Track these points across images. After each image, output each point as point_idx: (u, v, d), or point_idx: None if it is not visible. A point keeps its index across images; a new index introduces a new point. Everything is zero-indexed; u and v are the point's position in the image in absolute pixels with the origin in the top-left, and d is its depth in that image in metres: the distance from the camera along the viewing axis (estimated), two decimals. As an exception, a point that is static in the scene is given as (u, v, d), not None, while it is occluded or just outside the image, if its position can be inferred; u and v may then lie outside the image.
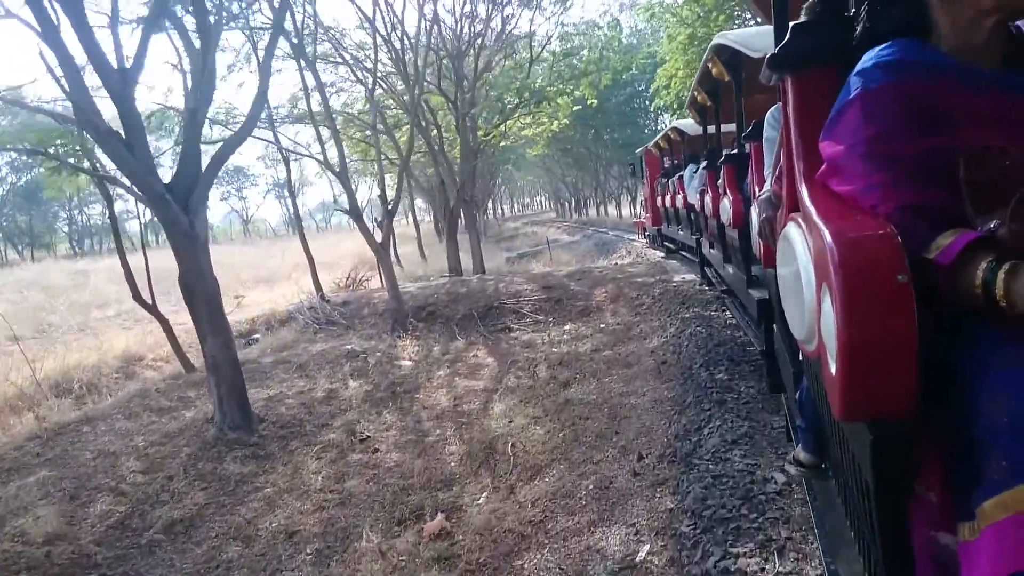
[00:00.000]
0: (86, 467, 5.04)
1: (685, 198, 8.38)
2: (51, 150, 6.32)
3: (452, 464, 4.75)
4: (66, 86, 4.89)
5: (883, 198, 1.06)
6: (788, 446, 3.01)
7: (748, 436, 3.37)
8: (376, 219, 9.63)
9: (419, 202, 33.86)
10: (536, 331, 8.80)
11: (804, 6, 1.51)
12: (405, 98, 11.67)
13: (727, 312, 6.62)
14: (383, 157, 12.64)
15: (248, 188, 65.20)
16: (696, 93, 6.45)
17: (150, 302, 7.96)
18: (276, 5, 6.74)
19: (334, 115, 10.70)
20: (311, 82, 9.12)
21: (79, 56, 4.92)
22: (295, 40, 8.75)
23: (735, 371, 4.60)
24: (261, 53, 10.33)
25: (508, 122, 17.48)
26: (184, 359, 8.02)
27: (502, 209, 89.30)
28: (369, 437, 5.49)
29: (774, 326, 3.08)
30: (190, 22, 5.89)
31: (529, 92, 15.43)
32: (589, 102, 17.54)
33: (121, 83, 4.95)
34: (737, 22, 14.66)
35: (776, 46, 1.57)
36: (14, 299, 17.08)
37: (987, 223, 0.96)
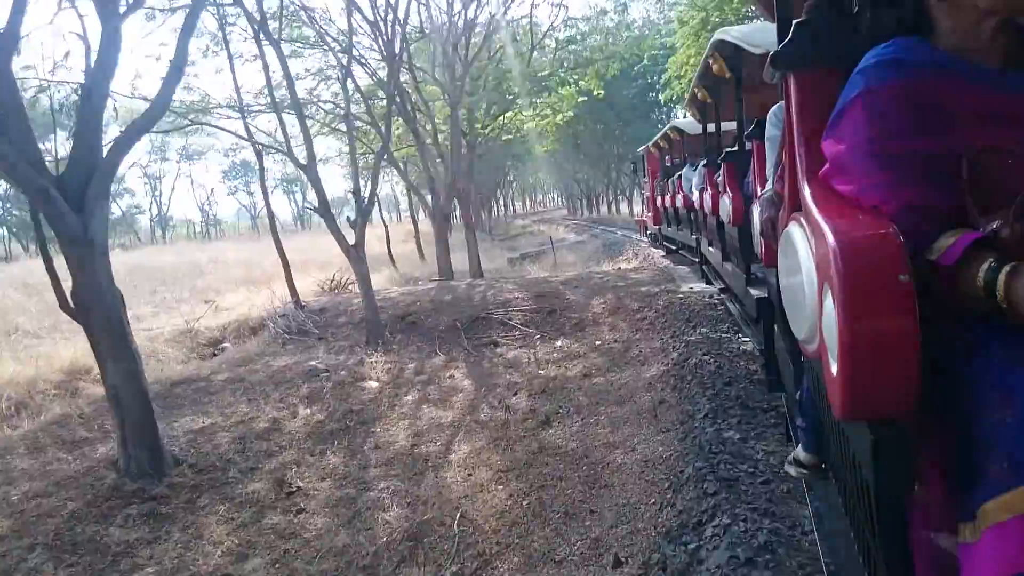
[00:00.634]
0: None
1: (685, 197, 8.19)
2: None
3: (382, 540, 3.74)
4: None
5: (885, 198, 1.06)
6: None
7: (770, 550, 2.33)
8: (349, 219, 8.62)
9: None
10: (524, 347, 7.80)
11: (806, 5, 1.48)
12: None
13: (739, 334, 5.58)
14: (367, 150, 11.65)
15: (256, 183, 64.48)
16: (696, 90, 6.37)
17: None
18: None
19: (304, 102, 9.77)
20: (277, 67, 8.18)
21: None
22: (256, 16, 7.78)
23: (750, 425, 3.57)
24: (234, 35, 9.39)
25: (508, 114, 16.45)
26: (121, 377, 7.05)
27: (513, 206, 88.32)
28: (299, 489, 4.51)
29: (774, 325, 3.00)
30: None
31: (529, 81, 14.36)
32: (596, 93, 16.44)
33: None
34: (752, 7, 13.54)
35: (778, 44, 1.54)
36: (-11, 298, 16.29)
37: (989, 224, 0.94)
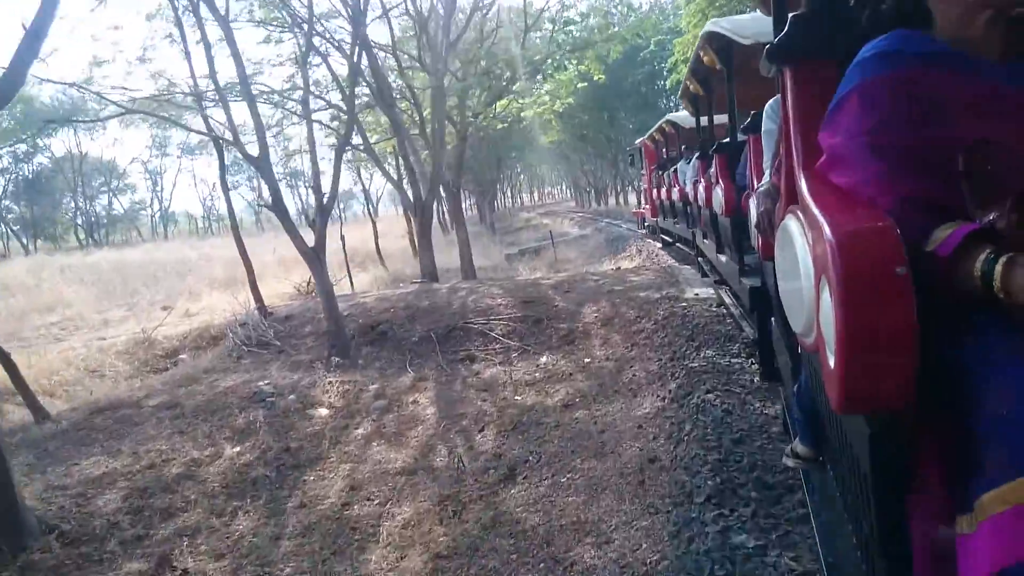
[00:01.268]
0: None
1: (680, 191, 8.09)
2: None
3: None
4: None
5: (882, 190, 1.06)
6: None
7: None
8: (306, 218, 7.61)
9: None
10: (504, 364, 6.79)
11: None
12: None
13: (752, 358, 4.52)
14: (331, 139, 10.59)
15: (258, 177, 63.61)
16: (689, 83, 6.29)
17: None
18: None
19: (267, 90, 8.80)
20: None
21: None
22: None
23: (772, 521, 2.53)
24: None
25: (502, 101, 15.38)
26: (34, 404, 6.10)
27: (520, 199, 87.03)
28: (184, 573, 3.51)
29: (769, 315, 2.96)
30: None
31: (524, 66, 13.27)
32: (596, 78, 15.33)
33: None
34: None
35: (775, 37, 1.53)
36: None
37: (986, 215, 0.95)
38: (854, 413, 1.06)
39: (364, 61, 11.16)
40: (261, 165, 7.13)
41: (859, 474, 1.13)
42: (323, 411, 6.00)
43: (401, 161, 15.53)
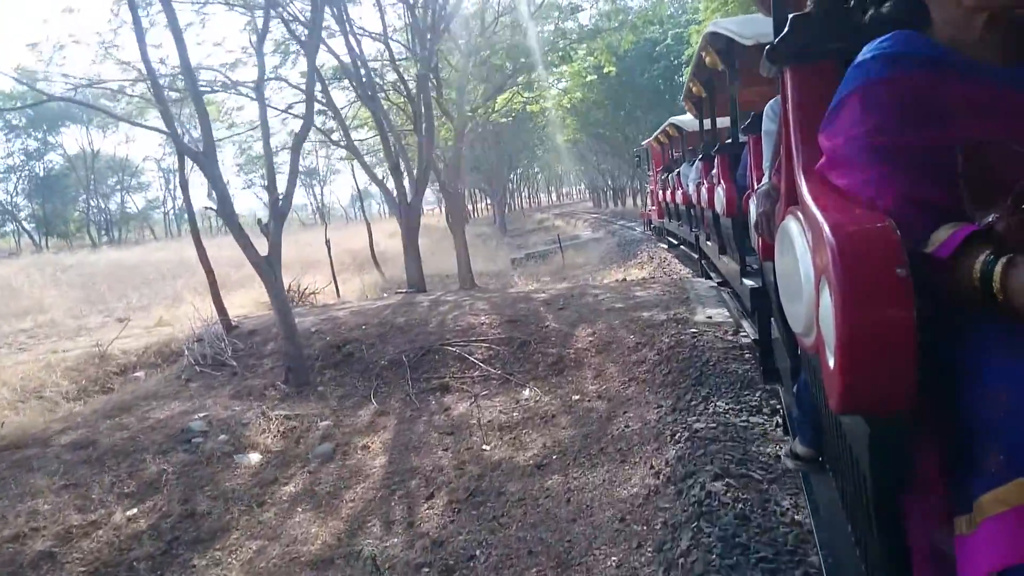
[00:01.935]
0: None
1: (684, 193, 8.03)
2: None
3: None
4: None
5: (881, 191, 1.06)
6: None
7: None
8: (260, 223, 6.62)
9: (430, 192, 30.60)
10: (480, 397, 5.78)
11: None
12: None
13: (778, 420, 3.43)
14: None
15: (277, 173, 62.88)
16: (692, 84, 6.33)
17: None
18: None
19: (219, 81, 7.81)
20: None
21: None
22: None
23: None
24: None
25: (504, 95, 14.34)
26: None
27: (537, 199, 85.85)
28: None
29: (770, 316, 2.95)
30: None
31: (525, 56, 12.22)
32: (607, 70, 14.22)
33: None
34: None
35: (775, 37, 1.53)
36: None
37: (985, 217, 0.95)
38: (853, 414, 1.06)
39: (347, 55, 10.17)
40: (204, 162, 6.14)
41: (858, 474, 1.12)
42: (254, 457, 5.00)
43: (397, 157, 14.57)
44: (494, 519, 3.46)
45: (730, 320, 5.70)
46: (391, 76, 12.90)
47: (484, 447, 4.66)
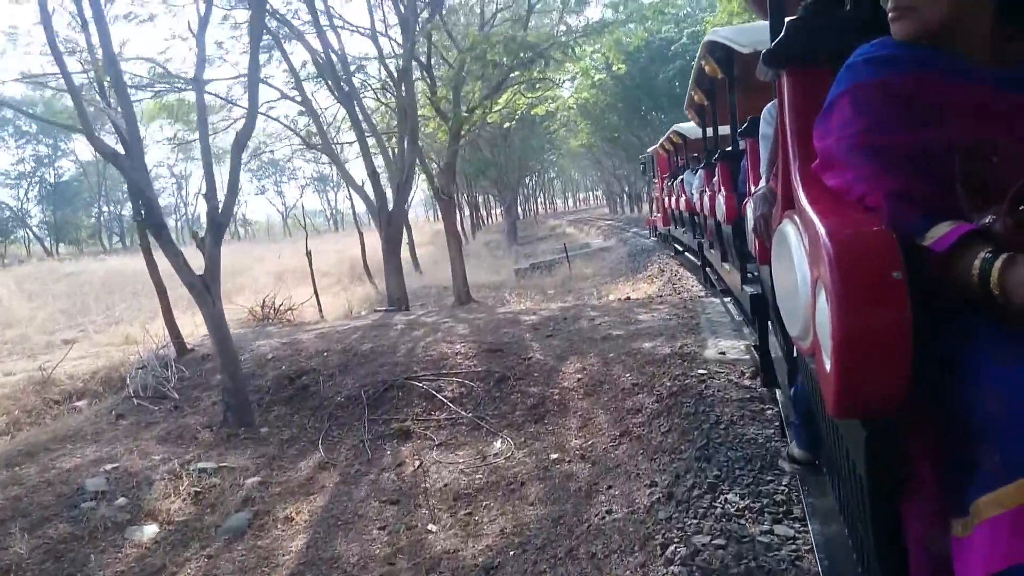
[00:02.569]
0: None
1: (687, 201, 8.03)
2: None
3: None
4: None
5: (871, 187, 1.06)
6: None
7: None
8: (196, 236, 5.66)
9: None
10: (442, 448, 4.81)
11: (801, 5, 1.50)
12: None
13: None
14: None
15: (287, 183, 62.57)
16: (693, 93, 6.40)
17: None
18: None
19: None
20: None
21: None
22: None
23: None
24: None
25: (505, 94, 13.36)
26: None
27: (553, 204, 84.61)
28: None
29: (768, 322, 2.97)
30: None
31: (524, 51, 11.22)
32: (616, 67, 13.18)
33: None
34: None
35: (772, 42, 1.54)
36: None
37: (982, 218, 0.95)
38: (850, 417, 1.06)
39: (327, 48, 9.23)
40: (125, 165, 5.21)
41: (855, 478, 1.13)
42: (150, 531, 4.03)
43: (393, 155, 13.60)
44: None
45: (747, 358, 4.64)
46: (385, 74, 11.95)
47: (430, 527, 3.65)
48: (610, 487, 3.46)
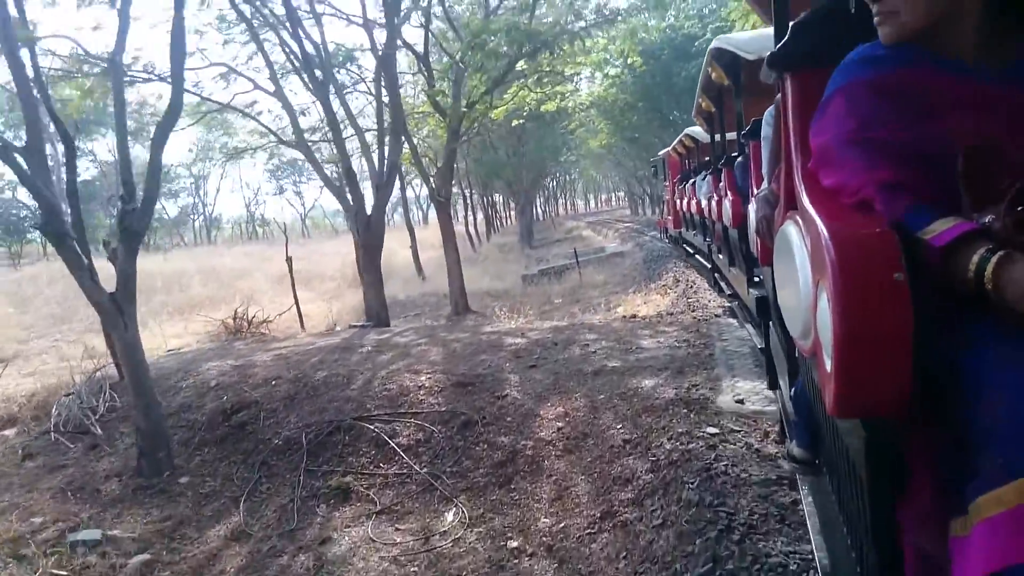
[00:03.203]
0: None
1: (698, 203, 7.98)
2: None
3: None
4: None
5: (865, 180, 1.06)
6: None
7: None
8: (105, 244, 4.73)
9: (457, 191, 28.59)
10: (382, 519, 3.81)
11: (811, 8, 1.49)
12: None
13: None
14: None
15: (305, 182, 62.12)
16: (700, 100, 6.42)
17: None
18: None
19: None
20: None
21: None
22: None
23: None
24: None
25: (512, 89, 12.40)
26: None
27: (574, 206, 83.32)
28: None
29: (771, 323, 2.95)
30: None
31: (528, 40, 10.23)
32: (631, 59, 12.11)
33: None
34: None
35: (776, 45, 1.56)
36: None
37: (982, 217, 0.95)
38: (850, 417, 1.06)
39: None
40: (11, 160, 4.30)
41: (855, 477, 1.13)
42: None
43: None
44: None
45: (771, 409, 3.58)
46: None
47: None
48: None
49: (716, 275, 7.68)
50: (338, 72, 9.85)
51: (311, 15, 9.04)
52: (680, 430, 3.51)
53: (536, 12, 11.47)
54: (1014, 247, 0.87)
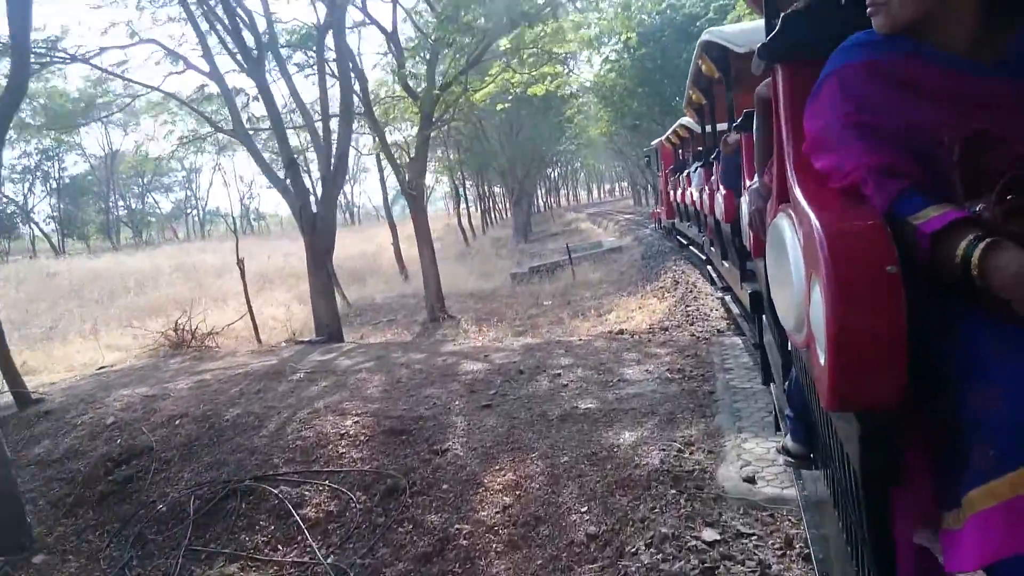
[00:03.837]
0: None
1: (691, 195, 7.84)
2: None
3: None
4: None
5: (856, 163, 1.05)
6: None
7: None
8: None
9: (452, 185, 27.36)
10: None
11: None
12: None
13: None
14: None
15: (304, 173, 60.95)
16: (691, 92, 6.45)
17: None
18: None
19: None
20: None
21: None
22: None
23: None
24: None
25: (493, 70, 11.33)
26: None
27: (575, 197, 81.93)
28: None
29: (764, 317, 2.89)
30: None
31: (508, 13, 9.14)
32: (625, 36, 10.99)
33: None
34: None
35: (767, 36, 1.52)
36: None
37: (974, 205, 0.94)
38: (844, 411, 1.03)
39: None
40: None
41: (849, 471, 1.11)
42: None
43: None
44: None
45: (790, 493, 2.52)
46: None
47: None
48: None
49: (709, 267, 7.60)
50: (291, 54, 8.78)
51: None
52: (665, 531, 2.46)
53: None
54: (1002, 235, 0.86)
